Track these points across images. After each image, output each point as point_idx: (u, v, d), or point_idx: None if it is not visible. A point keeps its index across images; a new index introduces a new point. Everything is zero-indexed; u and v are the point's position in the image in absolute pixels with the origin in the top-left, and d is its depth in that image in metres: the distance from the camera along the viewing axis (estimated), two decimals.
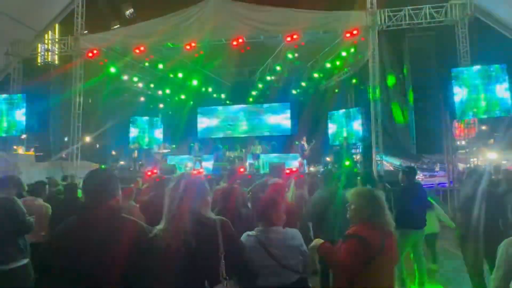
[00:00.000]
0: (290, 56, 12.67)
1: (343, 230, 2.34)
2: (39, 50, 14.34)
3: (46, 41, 13.85)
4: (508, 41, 10.31)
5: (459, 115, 9.97)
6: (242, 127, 17.26)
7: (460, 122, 11.04)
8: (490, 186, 4.08)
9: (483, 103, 9.70)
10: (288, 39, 10.46)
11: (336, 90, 15.74)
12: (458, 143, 12.14)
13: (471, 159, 10.54)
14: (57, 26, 16.72)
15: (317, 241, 2.31)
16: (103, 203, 1.67)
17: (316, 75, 14.89)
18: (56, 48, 13.34)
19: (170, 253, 1.63)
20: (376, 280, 2.15)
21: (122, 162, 13.69)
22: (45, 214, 4.03)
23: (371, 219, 2.25)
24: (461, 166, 11.60)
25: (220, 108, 17.51)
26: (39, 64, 13.58)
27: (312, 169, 13.14)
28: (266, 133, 16.83)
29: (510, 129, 10.22)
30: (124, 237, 1.63)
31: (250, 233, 2.25)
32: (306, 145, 12.28)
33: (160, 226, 1.74)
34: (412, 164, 11.23)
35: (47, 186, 4.58)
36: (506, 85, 9.57)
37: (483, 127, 13.24)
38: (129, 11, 11.79)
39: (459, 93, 9.82)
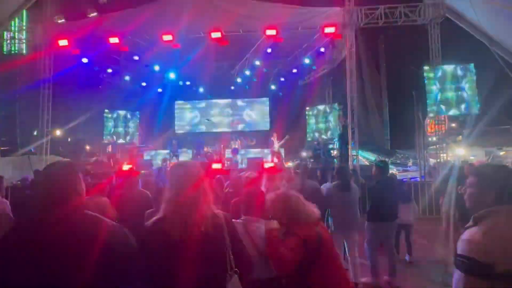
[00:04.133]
0: (269, 51, 12.65)
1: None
2: (5, 38, 13.54)
3: (12, 29, 13.08)
4: (476, 42, 10.79)
5: (431, 112, 10.37)
6: (221, 122, 17.11)
7: (431, 119, 11.48)
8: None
9: (452, 101, 10.14)
10: (267, 32, 10.38)
11: (314, 86, 15.92)
12: (430, 139, 12.61)
13: (441, 155, 10.98)
14: (25, 13, 15.83)
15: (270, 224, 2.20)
16: (63, 201, 1.48)
17: (294, 70, 14.98)
18: (23, 36, 12.64)
19: (170, 243, 1.58)
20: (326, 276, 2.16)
21: (96, 158, 13.22)
22: (1, 211, 3.78)
23: (290, 222, 2.24)
24: (432, 161, 12.07)
25: (198, 102, 17.26)
26: (4, 53, 12.81)
27: (290, 164, 13.25)
28: (245, 128, 16.79)
29: (476, 126, 10.73)
30: (92, 239, 1.44)
31: (236, 220, 2.24)
32: (275, 141, 12.35)
33: (159, 215, 1.69)
34: (386, 159, 11.58)
35: (3, 180, 4.30)
36: (473, 83, 10.05)
37: (453, 124, 13.81)
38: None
39: (431, 91, 10.19)
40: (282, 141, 12.50)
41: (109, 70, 14.10)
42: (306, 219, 2.24)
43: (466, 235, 1.46)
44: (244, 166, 11.70)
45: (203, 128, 16.96)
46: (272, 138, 12.55)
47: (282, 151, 12.90)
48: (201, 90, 16.84)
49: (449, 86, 10.16)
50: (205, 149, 14.17)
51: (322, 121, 14.33)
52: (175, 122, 16.99)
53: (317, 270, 2.13)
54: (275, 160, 12.03)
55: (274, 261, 2.11)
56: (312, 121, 14.71)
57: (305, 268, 2.11)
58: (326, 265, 2.17)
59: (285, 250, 2.09)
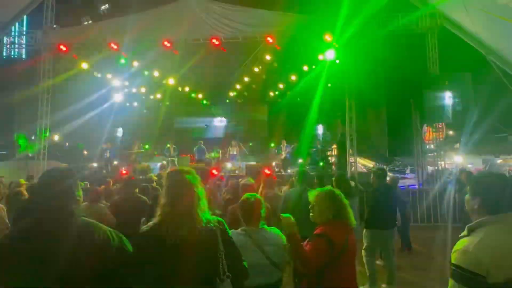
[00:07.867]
0: (268, 58, 12.72)
1: (309, 227, 2.35)
2: (5, 43, 13.59)
3: (12, 34, 13.12)
4: (473, 51, 10.89)
5: (429, 120, 10.41)
6: (219, 128, 17.14)
7: (429, 126, 11.53)
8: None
9: (450, 109, 10.20)
10: (268, 39, 10.49)
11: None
12: (428, 146, 12.64)
13: (439, 162, 10.99)
14: (25, 18, 15.92)
15: (287, 221, 2.13)
16: (61, 206, 1.49)
17: (293, 77, 15.03)
18: (23, 41, 12.69)
19: (164, 248, 1.59)
20: (341, 276, 2.19)
21: (94, 164, 13.16)
22: None
23: (335, 218, 2.28)
24: (430, 168, 12.08)
25: (196, 108, 17.29)
26: (4, 57, 12.84)
27: (289, 170, 13.24)
28: (243, 135, 16.79)
29: (474, 134, 10.78)
30: (87, 245, 1.46)
31: (238, 231, 2.25)
32: (283, 147, 12.39)
33: (155, 220, 1.70)
34: (384, 167, 11.60)
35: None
36: (471, 92, 10.12)
37: (450, 132, 13.88)
38: (104, 7, 11.43)
39: (429, 99, 10.26)
40: (289, 149, 12.54)
41: (108, 75, 14.11)
42: (346, 221, 2.27)
43: (459, 245, 1.46)
44: (242, 171, 11.70)
45: (201, 133, 16.96)
46: (281, 146, 12.59)
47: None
48: (199, 96, 16.88)
49: (447, 94, 10.23)
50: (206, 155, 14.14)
51: (321, 128, 14.37)
52: (174, 127, 17.00)
53: (333, 271, 2.15)
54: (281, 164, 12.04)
55: (300, 261, 2.14)
56: (310, 127, 14.73)
57: (324, 268, 2.13)
58: (342, 268, 2.20)
59: (312, 250, 2.11)
